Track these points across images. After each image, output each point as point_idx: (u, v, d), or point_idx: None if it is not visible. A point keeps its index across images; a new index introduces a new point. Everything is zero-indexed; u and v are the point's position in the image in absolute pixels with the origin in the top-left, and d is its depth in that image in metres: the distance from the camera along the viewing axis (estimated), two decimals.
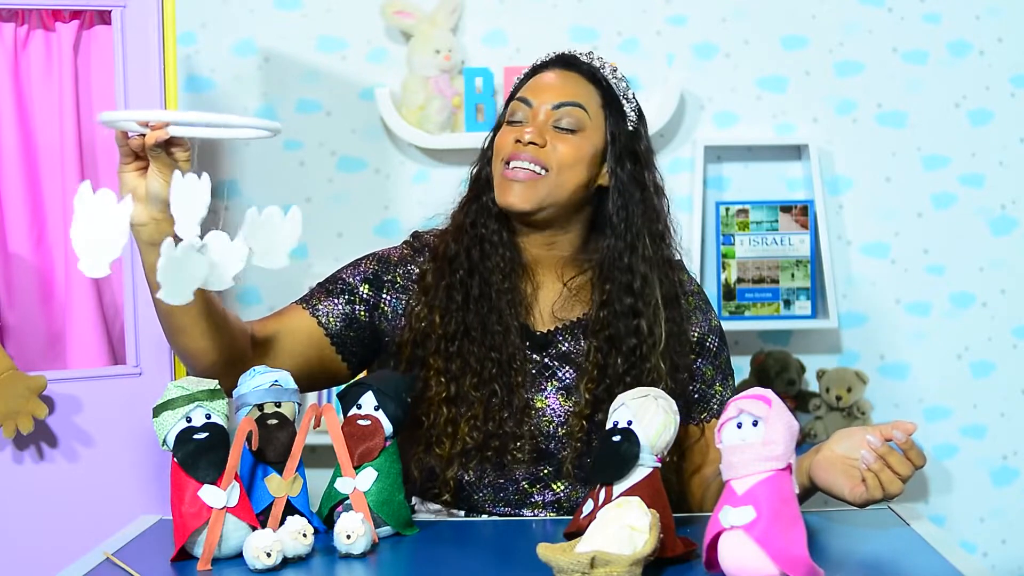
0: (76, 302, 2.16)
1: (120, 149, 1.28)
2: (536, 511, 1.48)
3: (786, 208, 2.67)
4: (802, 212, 2.66)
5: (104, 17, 2.15)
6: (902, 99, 2.70)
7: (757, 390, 1.10)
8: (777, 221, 2.67)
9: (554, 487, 1.47)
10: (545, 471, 1.47)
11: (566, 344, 1.50)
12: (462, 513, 1.49)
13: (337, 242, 2.65)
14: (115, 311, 2.22)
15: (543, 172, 1.45)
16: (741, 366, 2.71)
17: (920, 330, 2.72)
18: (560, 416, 1.47)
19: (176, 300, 1.17)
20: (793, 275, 2.67)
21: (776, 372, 2.61)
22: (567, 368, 1.49)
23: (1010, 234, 2.72)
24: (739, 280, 2.67)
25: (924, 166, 2.71)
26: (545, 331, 1.51)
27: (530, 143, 1.46)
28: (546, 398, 1.48)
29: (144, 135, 1.25)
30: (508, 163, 1.47)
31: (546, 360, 1.50)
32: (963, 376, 2.73)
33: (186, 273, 1.17)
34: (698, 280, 2.62)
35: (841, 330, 2.72)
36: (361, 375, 1.61)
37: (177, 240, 1.17)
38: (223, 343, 1.39)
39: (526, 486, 1.47)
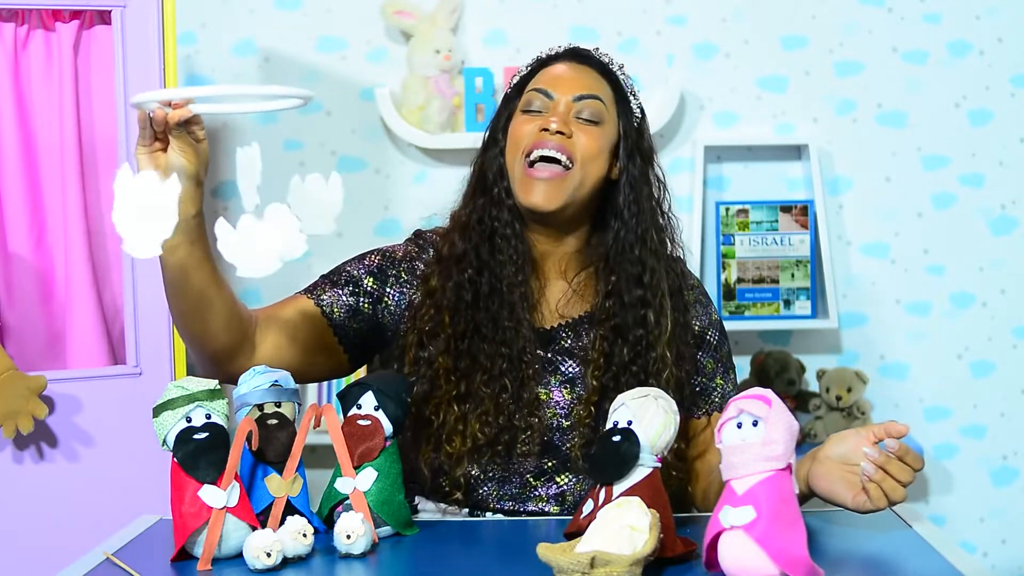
0: (76, 302, 2.16)
1: (142, 131, 1.29)
2: (540, 504, 1.48)
3: (786, 208, 2.67)
4: (802, 212, 2.66)
5: (104, 17, 2.15)
6: (902, 99, 2.70)
7: (757, 390, 1.10)
8: (777, 221, 2.67)
9: (558, 480, 1.48)
10: (549, 464, 1.48)
11: (569, 340, 1.52)
12: (465, 511, 1.49)
13: (337, 242, 2.64)
14: (115, 311, 2.22)
15: (569, 164, 1.46)
16: (741, 366, 2.71)
17: (920, 330, 2.72)
18: (564, 408, 1.48)
19: (259, 272, 1.21)
20: (793, 275, 2.66)
21: (776, 372, 2.61)
22: (570, 362, 1.50)
23: (1010, 234, 2.72)
24: (739, 280, 2.67)
25: (924, 166, 2.71)
26: (549, 328, 1.52)
27: (557, 132, 1.46)
28: (551, 391, 1.49)
29: (167, 113, 1.26)
30: (529, 155, 1.47)
31: (549, 355, 1.51)
32: (963, 376, 2.73)
33: (260, 244, 1.22)
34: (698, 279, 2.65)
35: (841, 330, 2.72)
36: (360, 371, 1.62)
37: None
38: (234, 325, 1.39)
39: (531, 479, 1.48)
